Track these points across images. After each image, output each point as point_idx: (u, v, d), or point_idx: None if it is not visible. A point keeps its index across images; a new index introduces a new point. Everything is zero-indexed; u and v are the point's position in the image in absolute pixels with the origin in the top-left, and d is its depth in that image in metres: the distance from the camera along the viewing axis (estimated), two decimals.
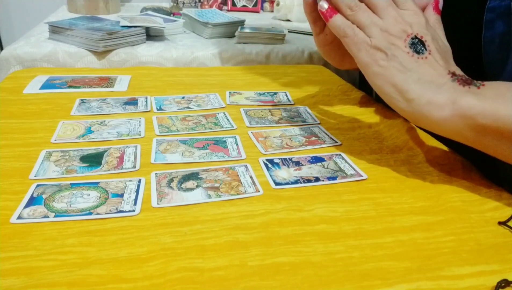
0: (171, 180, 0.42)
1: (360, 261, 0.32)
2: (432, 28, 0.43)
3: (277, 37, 1.13)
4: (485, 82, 0.39)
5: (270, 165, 0.45)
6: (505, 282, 0.29)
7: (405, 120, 0.58)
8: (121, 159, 0.45)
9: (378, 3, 0.43)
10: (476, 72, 0.49)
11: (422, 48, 0.40)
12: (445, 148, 0.50)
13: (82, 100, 0.61)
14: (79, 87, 0.66)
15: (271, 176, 0.43)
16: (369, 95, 0.69)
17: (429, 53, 0.40)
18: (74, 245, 0.33)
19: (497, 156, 0.38)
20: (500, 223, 0.37)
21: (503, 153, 0.38)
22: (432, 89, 0.39)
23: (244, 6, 1.61)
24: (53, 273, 0.30)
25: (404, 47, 0.40)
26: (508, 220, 0.37)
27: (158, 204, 0.38)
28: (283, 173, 0.44)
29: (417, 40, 0.41)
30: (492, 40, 0.47)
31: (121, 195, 0.39)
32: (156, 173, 0.43)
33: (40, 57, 0.98)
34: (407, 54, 0.40)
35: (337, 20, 0.43)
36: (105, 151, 0.47)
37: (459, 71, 0.41)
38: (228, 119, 0.57)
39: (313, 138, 0.52)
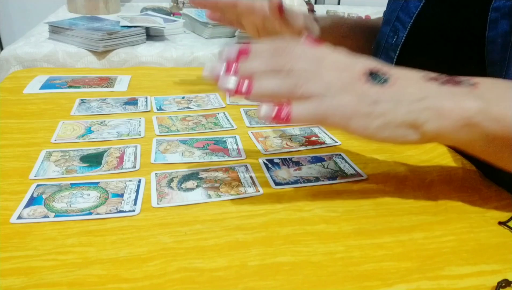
0: (171, 180, 0.42)
1: (360, 261, 0.32)
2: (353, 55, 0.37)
3: None
4: (475, 79, 0.36)
5: (270, 165, 0.45)
6: (505, 282, 0.29)
7: None
8: (121, 159, 0.45)
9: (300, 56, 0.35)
10: (479, 71, 0.49)
11: (382, 76, 0.35)
12: (445, 148, 0.50)
13: (82, 100, 0.61)
14: (79, 87, 0.66)
15: (271, 176, 0.43)
16: None
17: (392, 74, 0.35)
18: (74, 245, 0.33)
19: (498, 164, 0.37)
20: (500, 223, 0.37)
21: (504, 161, 0.36)
22: (433, 100, 0.34)
23: None
24: (53, 273, 0.30)
25: (371, 87, 0.34)
26: (508, 220, 0.37)
27: (158, 204, 0.38)
28: (283, 173, 0.44)
29: (371, 72, 0.35)
30: (494, 40, 0.46)
31: (121, 195, 0.39)
32: (156, 173, 0.43)
33: (40, 57, 0.98)
34: (379, 89, 0.34)
35: (298, 107, 0.33)
36: (105, 151, 0.47)
37: (432, 74, 0.37)
38: (228, 119, 0.57)
39: (313, 138, 0.52)
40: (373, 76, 0.35)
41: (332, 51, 0.37)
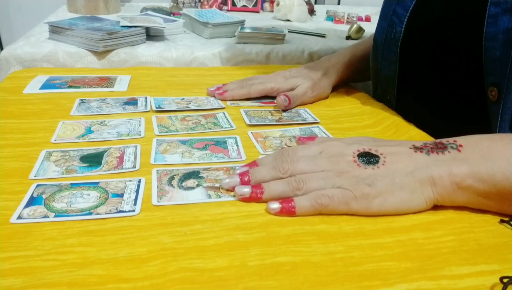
0: (172, 178, 0.42)
1: (360, 261, 0.32)
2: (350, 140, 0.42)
3: (277, 37, 1.13)
4: (459, 140, 0.39)
5: None
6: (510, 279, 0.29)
7: (405, 120, 0.58)
8: (121, 159, 0.45)
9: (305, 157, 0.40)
10: (475, 69, 0.48)
11: (372, 158, 0.39)
12: None
13: (81, 100, 0.61)
14: (79, 87, 0.66)
15: None
16: (369, 95, 0.69)
17: (381, 154, 0.39)
18: (74, 245, 0.33)
19: (502, 212, 0.38)
20: (502, 221, 0.37)
21: (507, 211, 0.38)
22: (423, 171, 0.37)
23: (244, 6, 1.61)
24: (53, 273, 0.30)
25: (365, 169, 0.38)
26: (511, 219, 0.37)
27: (158, 202, 0.38)
28: None
29: (362, 156, 0.39)
30: (494, 37, 0.45)
31: (121, 195, 0.39)
32: (157, 170, 0.43)
33: (40, 57, 0.98)
34: (372, 170, 0.38)
35: (300, 201, 0.37)
36: (105, 151, 0.47)
37: (417, 143, 0.40)
38: (227, 119, 0.57)
39: None
40: (364, 159, 0.39)
41: (325, 142, 0.42)
